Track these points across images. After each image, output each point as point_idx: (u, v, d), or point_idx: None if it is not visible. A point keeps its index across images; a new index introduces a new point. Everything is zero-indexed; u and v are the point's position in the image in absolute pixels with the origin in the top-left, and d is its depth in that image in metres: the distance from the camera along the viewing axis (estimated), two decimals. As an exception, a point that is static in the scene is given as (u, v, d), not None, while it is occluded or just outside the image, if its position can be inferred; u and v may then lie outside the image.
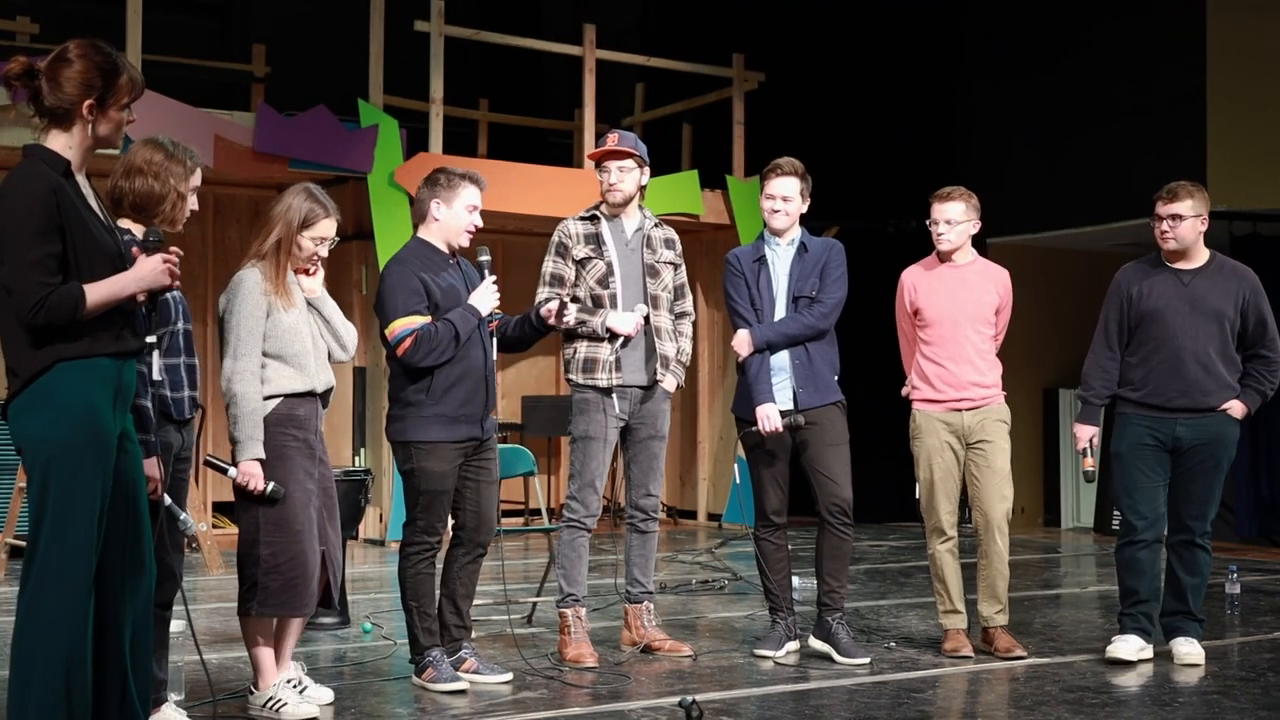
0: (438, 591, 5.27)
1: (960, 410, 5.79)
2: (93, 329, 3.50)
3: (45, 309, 3.43)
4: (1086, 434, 5.83)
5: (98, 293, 3.49)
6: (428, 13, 10.08)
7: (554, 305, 5.33)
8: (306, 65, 11.52)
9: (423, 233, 5.26)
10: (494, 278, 5.24)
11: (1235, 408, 5.61)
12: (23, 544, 7.92)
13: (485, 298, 5.19)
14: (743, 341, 5.70)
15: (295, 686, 4.79)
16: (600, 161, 5.84)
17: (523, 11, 13.31)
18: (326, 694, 4.89)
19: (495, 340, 5.30)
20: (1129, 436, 5.69)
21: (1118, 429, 5.76)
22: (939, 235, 5.85)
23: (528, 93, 13.41)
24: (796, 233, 5.80)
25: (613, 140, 5.82)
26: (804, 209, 5.80)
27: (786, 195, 5.72)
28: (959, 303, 5.81)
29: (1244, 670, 5.64)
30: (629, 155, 5.78)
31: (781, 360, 5.70)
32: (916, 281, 5.92)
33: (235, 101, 10.86)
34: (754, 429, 5.64)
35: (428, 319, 5.07)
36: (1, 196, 3.47)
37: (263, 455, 4.64)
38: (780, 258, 5.78)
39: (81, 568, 3.46)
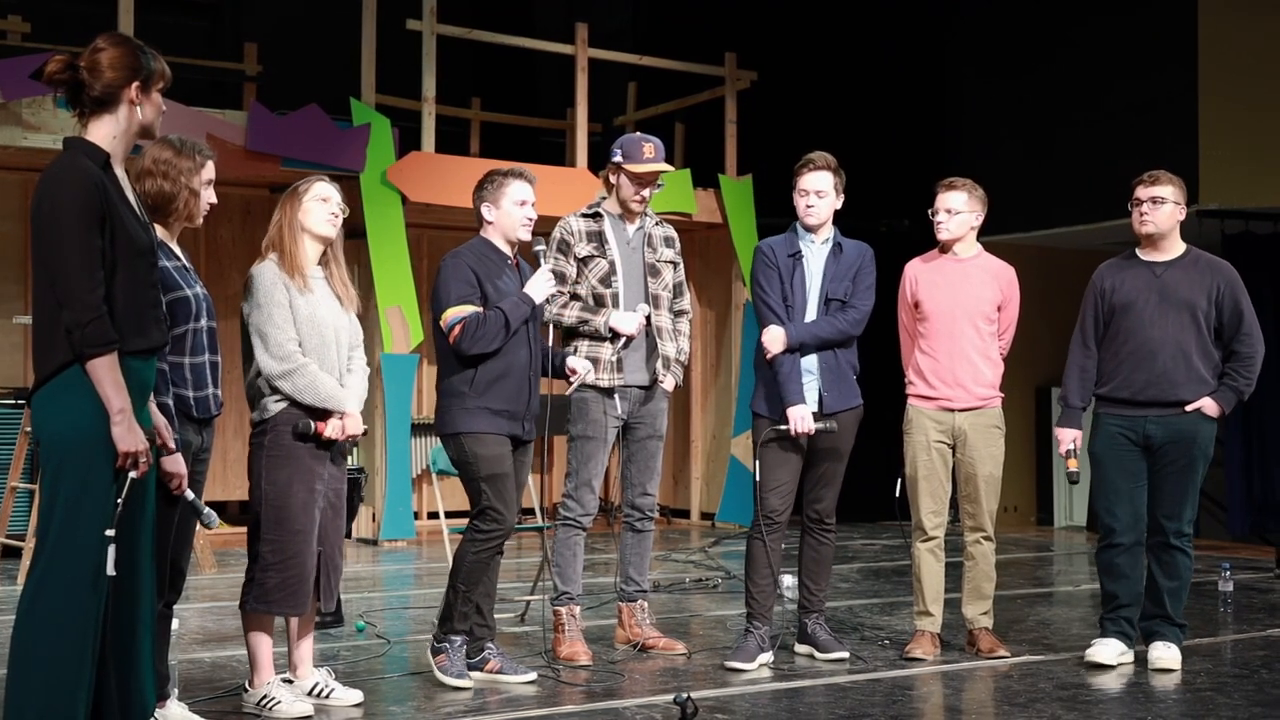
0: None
1: (952, 410, 5.73)
2: (120, 327, 3.48)
3: (85, 330, 3.41)
4: (1067, 437, 5.70)
5: (113, 375, 3.45)
6: (420, 11, 10.08)
7: (579, 370, 5.42)
8: (299, 64, 11.50)
9: (483, 234, 5.29)
10: (549, 266, 5.28)
11: (1207, 405, 5.48)
12: (14, 543, 7.97)
13: (539, 286, 5.21)
14: (777, 339, 5.49)
15: (321, 693, 4.79)
16: (640, 175, 5.76)
17: (515, 10, 13.29)
18: (355, 695, 4.87)
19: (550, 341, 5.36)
20: (1103, 437, 5.62)
21: (1094, 429, 5.69)
22: (939, 225, 5.75)
23: (520, 92, 13.40)
24: (830, 230, 5.65)
25: (658, 156, 5.74)
26: (838, 204, 5.64)
27: (820, 190, 5.57)
28: (958, 297, 5.72)
29: (1237, 667, 5.65)
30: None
31: (810, 362, 5.54)
32: (918, 274, 5.84)
33: (227, 100, 10.85)
34: (784, 428, 5.47)
35: (478, 308, 5.10)
36: (51, 190, 3.45)
37: (351, 407, 4.70)
38: (815, 255, 5.62)
39: (89, 567, 3.44)
